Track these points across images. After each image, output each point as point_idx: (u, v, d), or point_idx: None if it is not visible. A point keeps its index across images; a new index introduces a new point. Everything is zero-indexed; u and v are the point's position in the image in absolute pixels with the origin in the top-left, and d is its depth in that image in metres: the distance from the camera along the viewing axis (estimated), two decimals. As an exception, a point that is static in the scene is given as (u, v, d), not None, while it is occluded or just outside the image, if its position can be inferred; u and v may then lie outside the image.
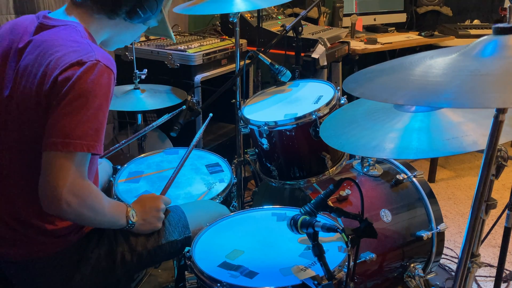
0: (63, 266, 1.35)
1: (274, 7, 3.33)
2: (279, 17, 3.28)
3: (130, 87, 2.35)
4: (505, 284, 2.23)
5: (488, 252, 2.49)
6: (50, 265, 1.34)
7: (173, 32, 3.27)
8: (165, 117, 2.01)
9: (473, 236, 1.06)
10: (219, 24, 3.24)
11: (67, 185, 1.17)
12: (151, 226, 1.44)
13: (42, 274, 1.34)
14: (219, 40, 2.83)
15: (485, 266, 2.39)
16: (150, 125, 2.01)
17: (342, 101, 1.85)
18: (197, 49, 2.60)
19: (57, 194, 1.17)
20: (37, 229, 1.30)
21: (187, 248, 1.37)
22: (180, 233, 1.49)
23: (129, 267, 1.43)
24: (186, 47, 2.63)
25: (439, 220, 1.86)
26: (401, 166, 1.96)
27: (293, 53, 2.20)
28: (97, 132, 1.22)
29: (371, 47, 3.20)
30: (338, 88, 1.90)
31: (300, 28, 2.11)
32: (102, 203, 1.29)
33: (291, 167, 1.89)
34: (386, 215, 1.79)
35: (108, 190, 1.87)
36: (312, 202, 1.29)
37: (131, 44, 2.37)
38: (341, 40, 3.15)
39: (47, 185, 1.18)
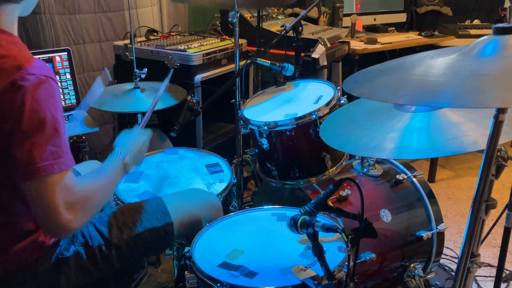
0: (44, 272, 1.30)
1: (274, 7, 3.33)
2: (279, 17, 3.28)
3: (130, 86, 2.35)
4: (505, 284, 2.23)
5: (488, 252, 2.49)
6: (32, 274, 1.28)
7: (173, 32, 3.26)
8: None
9: (473, 236, 1.06)
10: (219, 24, 3.24)
11: (61, 204, 1.12)
12: (137, 162, 1.47)
13: (25, 286, 1.28)
14: (219, 40, 2.83)
15: (485, 266, 2.38)
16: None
17: (342, 101, 1.85)
18: (197, 49, 2.60)
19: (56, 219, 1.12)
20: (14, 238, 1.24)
21: (187, 248, 1.37)
22: (159, 220, 1.46)
23: (112, 262, 1.39)
24: (186, 47, 2.62)
25: (439, 220, 1.86)
26: (401, 166, 1.96)
27: (293, 53, 2.20)
28: None
29: (371, 47, 3.20)
30: (338, 88, 1.90)
31: (300, 28, 2.11)
32: (100, 189, 1.27)
33: (291, 167, 1.88)
34: (386, 215, 1.79)
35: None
36: (312, 202, 1.29)
37: (131, 44, 2.37)
38: (341, 40, 3.15)
39: (43, 215, 1.12)
